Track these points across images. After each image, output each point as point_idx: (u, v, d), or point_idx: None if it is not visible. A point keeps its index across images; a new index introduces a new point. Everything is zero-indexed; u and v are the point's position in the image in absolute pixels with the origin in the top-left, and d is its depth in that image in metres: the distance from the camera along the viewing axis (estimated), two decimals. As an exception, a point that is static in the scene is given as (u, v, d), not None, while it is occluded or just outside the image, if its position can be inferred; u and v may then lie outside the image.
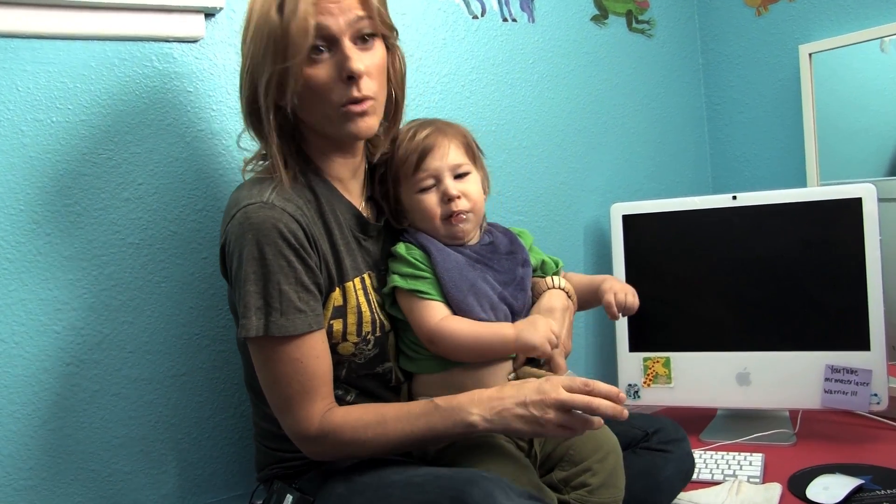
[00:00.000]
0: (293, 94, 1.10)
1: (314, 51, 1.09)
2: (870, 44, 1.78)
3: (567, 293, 1.32)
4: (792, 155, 1.94)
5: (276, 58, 1.08)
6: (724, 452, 1.62)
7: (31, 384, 1.26)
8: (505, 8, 1.80)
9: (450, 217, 1.23)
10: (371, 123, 1.15)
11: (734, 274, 1.75)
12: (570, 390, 1.08)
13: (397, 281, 1.21)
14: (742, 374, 1.72)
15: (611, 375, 1.91)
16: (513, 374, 1.23)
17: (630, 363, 1.82)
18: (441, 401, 1.11)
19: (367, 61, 1.11)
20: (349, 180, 1.24)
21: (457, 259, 1.23)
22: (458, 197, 1.22)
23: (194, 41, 1.39)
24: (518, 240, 1.33)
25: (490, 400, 1.10)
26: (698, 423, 1.80)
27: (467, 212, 1.24)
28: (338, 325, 1.16)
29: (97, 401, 1.31)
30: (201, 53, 1.40)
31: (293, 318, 1.09)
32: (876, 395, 1.61)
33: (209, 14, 1.40)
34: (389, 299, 1.23)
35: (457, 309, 1.20)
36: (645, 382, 1.80)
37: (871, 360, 1.62)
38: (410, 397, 1.26)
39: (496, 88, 1.80)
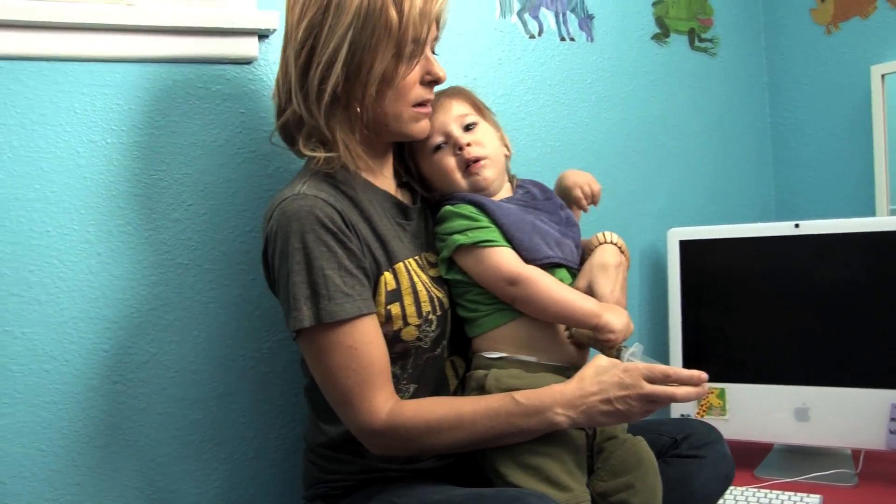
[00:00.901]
0: (394, 89, 1.14)
1: (416, 55, 1.15)
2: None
3: (619, 247, 1.30)
4: (861, 181, 1.86)
5: (389, 51, 1.10)
6: (780, 491, 1.55)
7: (80, 401, 1.28)
8: (563, 27, 1.77)
9: (467, 167, 1.23)
10: (428, 126, 1.23)
11: (795, 304, 1.68)
12: (651, 381, 1.08)
13: (458, 239, 1.19)
14: (801, 409, 1.65)
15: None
16: (568, 332, 1.22)
17: (683, 393, 1.76)
18: (522, 397, 1.10)
19: (444, 72, 1.20)
20: (381, 170, 1.25)
21: (510, 206, 1.23)
22: (469, 144, 1.23)
23: (248, 62, 1.40)
24: (546, 186, 1.34)
25: (574, 399, 1.09)
26: (753, 458, 1.73)
27: (483, 158, 1.23)
28: (395, 309, 1.15)
29: (143, 419, 1.33)
30: (254, 75, 1.41)
31: (342, 302, 1.08)
32: (946, 438, 1.53)
33: (263, 36, 1.41)
34: (446, 265, 1.23)
35: (525, 251, 1.20)
36: (698, 413, 1.74)
37: (940, 400, 1.53)
38: (470, 359, 1.25)
39: (552, 109, 1.76)
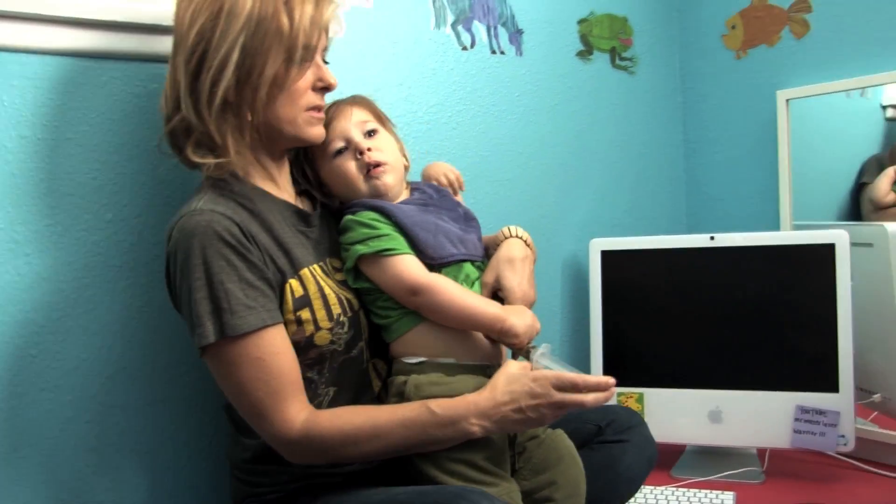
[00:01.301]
0: (285, 93, 1.15)
1: (305, 60, 1.16)
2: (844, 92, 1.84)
3: (525, 241, 1.33)
4: (766, 196, 1.99)
5: (280, 55, 1.12)
6: (696, 490, 1.64)
7: (3, 409, 1.22)
8: (494, 40, 1.82)
9: (368, 172, 1.24)
10: (324, 131, 1.24)
11: (710, 313, 1.77)
12: (561, 389, 1.11)
13: (360, 249, 1.20)
14: (714, 411, 1.74)
15: (584, 408, 1.93)
16: None
17: (604, 397, 1.83)
18: (437, 407, 1.12)
19: (335, 80, 1.22)
20: (278, 179, 1.25)
21: (410, 208, 1.24)
22: (370, 149, 1.25)
23: (186, 62, 1.37)
24: (438, 185, 1.36)
25: (487, 409, 1.12)
26: (668, 458, 1.82)
27: (383, 163, 1.25)
28: (305, 314, 1.15)
29: (71, 427, 1.27)
30: (192, 74, 1.38)
31: (244, 315, 1.07)
32: (843, 436, 1.64)
33: (202, 35, 1.38)
34: (352, 275, 1.23)
35: (430, 249, 1.21)
36: (618, 416, 1.81)
37: (839, 402, 1.65)
38: (391, 362, 1.26)
39: (482, 120, 1.80)
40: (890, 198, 1.80)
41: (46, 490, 1.25)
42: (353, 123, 1.26)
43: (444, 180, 1.38)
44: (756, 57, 2.01)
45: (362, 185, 1.25)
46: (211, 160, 1.13)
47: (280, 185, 1.25)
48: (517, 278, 1.26)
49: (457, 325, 1.21)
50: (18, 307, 1.23)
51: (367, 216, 1.22)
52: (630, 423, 1.39)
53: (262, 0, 1.11)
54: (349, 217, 1.23)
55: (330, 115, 1.26)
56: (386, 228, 1.20)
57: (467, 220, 1.32)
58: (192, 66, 1.12)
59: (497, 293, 1.26)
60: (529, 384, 1.12)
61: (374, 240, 1.19)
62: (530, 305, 1.26)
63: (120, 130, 1.31)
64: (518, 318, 1.20)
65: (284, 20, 1.11)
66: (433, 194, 1.32)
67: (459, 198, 1.39)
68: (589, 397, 1.11)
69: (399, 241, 1.20)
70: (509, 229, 1.33)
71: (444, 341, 1.22)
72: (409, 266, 1.19)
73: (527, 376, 1.13)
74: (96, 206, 1.29)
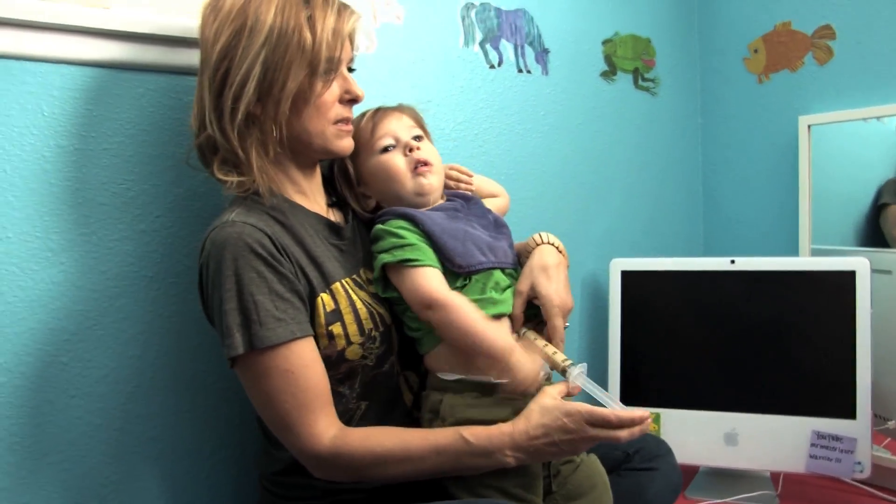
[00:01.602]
0: (310, 107, 1.16)
1: (332, 73, 1.17)
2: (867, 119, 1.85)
3: (557, 248, 1.31)
4: (785, 220, 2.00)
5: (302, 70, 1.13)
6: (711, 512, 1.65)
7: (35, 416, 1.23)
8: (521, 59, 1.83)
9: (416, 168, 1.25)
10: (353, 143, 1.25)
11: (729, 335, 1.78)
12: (594, 424, 1.09)
13: (384, 258, 1.20)
14: (730, 433, 1.75)
15: (599, 427, 1.93)
16: (514, 336, 1.23)
17: (620, 416, 1.84)
18: (471, 437, 1.11)
19: (362, 91, 1.24)
20: (311, 192, 1.26)
21: (440, 215, 1.24)
22: (419, 148, 1.26)
23: (221, 75, 1.38)
24: (469, 194, 1.35)
25: (522, 442, 1.10)
26: (683, 479, 1.81)
27: (431, 163, 1.26)
28: (337, 328, 1.16)
29: (99, 435, 1.28)
30: (227, 88, 1.39)
31: (273, 326, 1.08)
32: (860, 463, 1.65)
33: (238, 49, 1.39)
34: (381, 285, 1.23)
35: (458, 257, 1.19)
36: (633, 436, 1.82)
37: (856, 428, 1.66)
38: (423, 376, 1.27)
39: (507, 138, 1.82)
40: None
41: (73, 496, 1.26)
42: (404, 126, 1.28)
43: (451, 182, 1.37)
44: (778, 81, 2.02)
45: (409, 181, 1.25)
46: (234, 178, 1.15)
47: (311, 198, 1.26)
48: (553, 285, 1.23)
49: (464, 348, 1.17)
50: (52, 315, 1.24)
51: (396, 224, 1.22)
52: (658, 451, 1.39)
53: (283, 15, 1.12)
54: (379, 226, 1.24)
55: (378, 117, 1.28)
56: (412, 238, 1.20)
57: (497, 227, 1.31)
58: (217, 84, 1.13)
59: (532, 301, 1.24)
60: (563, 419, 1.10)
61: (398, 249, 1.19)
62: (568, 312, 1.24)
63: (154, 141, 1.32)
64: (526, 361, 1.16)
65: (307, 34, 1.12)
66: (463, 203, 1.31)
67: (474, 187, 1.38)
68: (623, 433, 1.09)
69: (424, 252, 1.19)
70: (540, 236, 1.32)
71: (468, 361, 1.20)
72: (428, 279, 1.17)
73: (560, 409, 1.10)
74: (129, 217, 1.30)
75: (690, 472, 1.86)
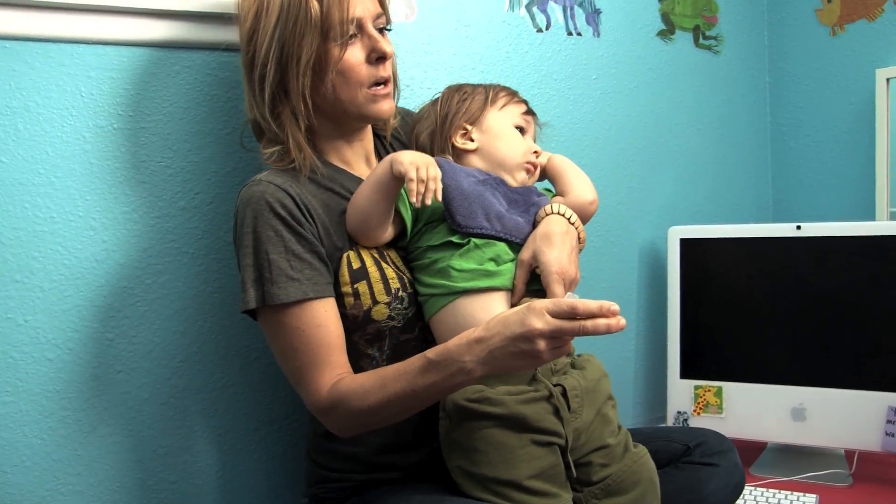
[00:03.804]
0: (332, 74, 1.15)
1: (349, 36, 1.15)
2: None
3: (568, 219, 1.23)
4: (861, 184, 1.87)
5: (315, 39, 1.13)
6: (777, 490, 1.57)
7: (83, 390, 1.26)
8: (570, 22, 1.76)
9: (531, 160, 1.29)
10: (392, 105, 1.23)
11: (795, 306, 1.69)
12: (556, 315, 0.99)
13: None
14: (797, 409, 1.67)
15: (660, 402, 1.87)
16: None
17: (680, 391, 1.77)
18: (433, 354, 1.06)
19: (389, 47, 1.20)
20: (354, 160, 1.27)
21: (469, 175, 1.21)
22: (538, 153, 1.30)
23: (257, 50, 1.38)
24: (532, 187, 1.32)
25: (479, 342, 1.03)
26: (748, 455, 1.75)
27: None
28: (362, 287, 1.16)
29: (146, 409, 1.31)
30: (263, 62, 1.39)
31: (284, 285, 1.10)
32: (940, 441, 1.55)
33: (273, 23, 1.38)
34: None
35: (460, 216, 1.16)
36: (695, 411, 1.76)
37: (936, 404, 1.55)
38: None
39: (558, 104, 1.76)
40: None
41: (123, 468, 1.30)
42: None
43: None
44: (854, 33, 1.89)
45: (522, 166, 1.28)
46: (275, 149, 1.18)
47: (354, 166, 1.27)
48: (555, 252, 1.16)
49: (367, 205, 1.16)
50: (96, 292, 1.27)
51: None
52: (720, 447, 1.31)
53: None
54: None
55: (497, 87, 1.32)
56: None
57: (527, 205, 1.24)
58: (247, 66, 1.18)
59: (534, 271, 1.18)
60: (523, 311, 1.02)
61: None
62: (570, 284, 1.17)
63: (192, 119, 1.33)
64: (403, 154, 1.14)
65: (314, 3, 1.12)
66: (512, 188, 1.27)
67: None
68: (589, 322, 0.98)
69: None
70: (551, 206, 1.24)
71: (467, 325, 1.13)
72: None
73: (525, 307, 1.03)
74: (170, 195, 1.32)
75: (756, 448, 1.79)
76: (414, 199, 1.11)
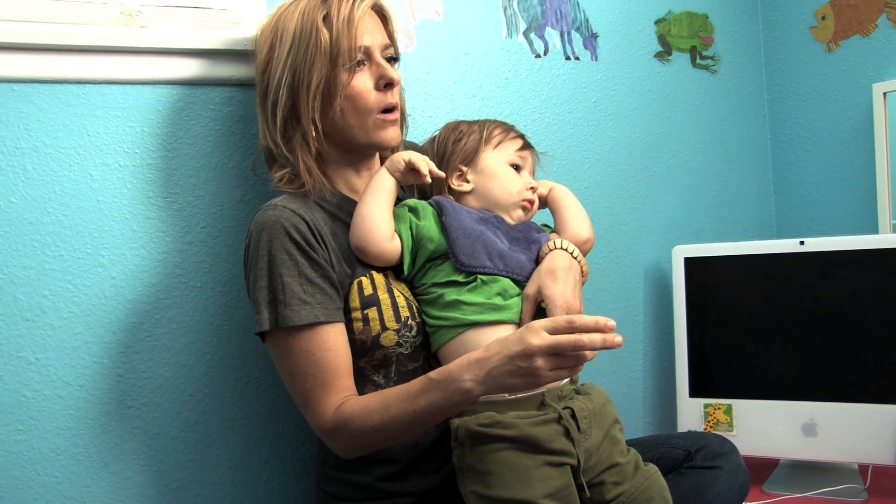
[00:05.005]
0: (340, 100, 1.18)
1: (357, 63, 1.19)
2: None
3: (571, 253, 1.26)
4: (863, 198, 1.88)
5: (324, 65, 1.17)
6: (791, 507, 1.57)
7: (94, 427, 1.27)
8: (568, 46, 1.78)
9: (527, 199, 1.29)
10: (398, 134, 1.27)
11: (801, 321, 1.69)
12: (554, 332, 1.02)
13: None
14: (808, 424, 1.66)
15: (670, 420, 1.87)
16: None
17: (690, 409, 1.77)
18: (435, 374, 1.10)
19: (397, 74, 1.24)
20: (362, 189, 1.28)
21: (470, 214, 1.24)
22: (534, 189, 1.31)
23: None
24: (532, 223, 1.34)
25: (478, 362, 1.06)
26: (761, 472, 1.74)
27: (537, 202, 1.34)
28: (372, 313, 1.18)
29: (156, 444, 1.32)
30: (266, 96, 1.41)
31: (297, 308, 1.12)
32: (954, 453, 1.54)
33: (274, 57, 1.40)
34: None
35: (463, 256, 1.19)
36: (705, 429, 1.75)
37: (948, 416, 1.55)
38: None
39: (558, 128, 1.77)
40: None
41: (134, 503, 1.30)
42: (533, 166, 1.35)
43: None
44: (849, 48, 1.90)
45: (518, 204, 1.29)
46: (285, 173, 1.22)
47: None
48: (559, 287, 1.19)
49: (368, 211, 1.20)
50: (105, 328, 1.28)
51: (422, 203, 1.25)
52: (722, 449, 1.32)
53: (303, 19, 1.18)
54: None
55: (502, 125, 1.33)
56: (425, 213, 1.23)
57: (527, 242, 1.27)
58: (261, 94, 1.23)
59: (540, 305, 1.21)
60: (521, 331, 1.05)
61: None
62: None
63: (196, 154, 1.35)
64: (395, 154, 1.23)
65: (324, 31, 1.17)
66: (512, 226, 1.29)
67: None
68: (585, 337, 1.00)
69: (411, 223, 1.22)
70: (554, 242, 1.28)
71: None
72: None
73: (524, 327, 1.06)
74: (176, 230, 1.33)
75: (769, 465, 1.78)
76: (425, 174, 1.20)
